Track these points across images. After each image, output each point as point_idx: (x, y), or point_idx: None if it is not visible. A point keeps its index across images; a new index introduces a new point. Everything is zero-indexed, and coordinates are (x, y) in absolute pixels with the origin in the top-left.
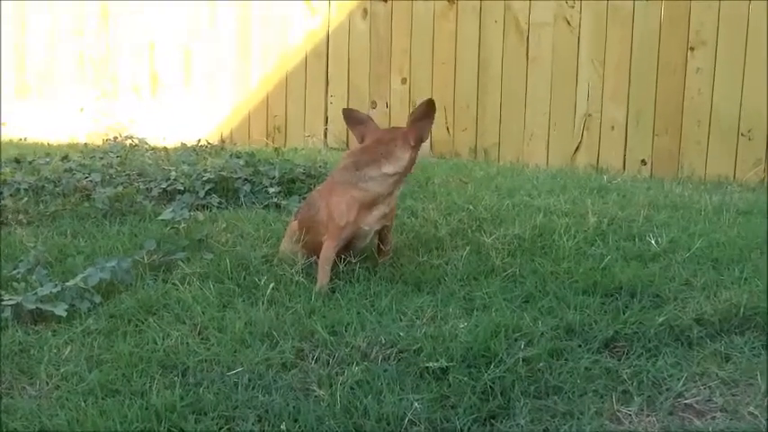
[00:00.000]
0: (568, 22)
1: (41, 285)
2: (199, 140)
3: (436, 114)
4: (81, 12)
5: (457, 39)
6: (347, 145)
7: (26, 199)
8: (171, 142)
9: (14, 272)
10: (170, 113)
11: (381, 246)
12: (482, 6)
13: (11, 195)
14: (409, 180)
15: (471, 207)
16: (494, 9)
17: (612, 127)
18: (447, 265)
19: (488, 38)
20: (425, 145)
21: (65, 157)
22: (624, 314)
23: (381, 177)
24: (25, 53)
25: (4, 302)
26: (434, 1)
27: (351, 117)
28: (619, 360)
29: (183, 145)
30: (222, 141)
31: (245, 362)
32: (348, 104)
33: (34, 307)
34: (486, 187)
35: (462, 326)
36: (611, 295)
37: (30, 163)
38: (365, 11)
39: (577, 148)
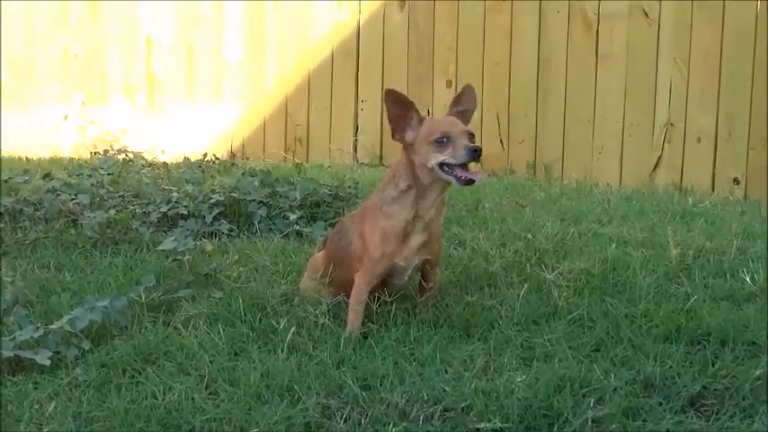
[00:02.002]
0: (646, 14)
1: (21, 328)
2: (205, 154)
3: (407, 108)
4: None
5: (512, 34)
6: (381, 160)
7: (2, 225)
8: (171, 156)
9: None
10: (170, 121)
11: (423, 283)
12: None
13: None
14: (456, 203)
15: (530, 236)
16: None
17: (699, 139)
18: (501, 306)
19: (550, 32)
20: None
21: (47, 175)
22: (713, 366)
23: (399, 196)
24: None
25: None
26: None
27: (395, 100)
28: (707, 421)
29: (187, 160)
30: (232, 155)
31: (262, 421)
32: (382, 111)
33: (12, 354)
34: (547, 212)
35: (520, 379)
36: (698, 343)
37: (5, 182)
38: (402, 1)
39: (657, 164)
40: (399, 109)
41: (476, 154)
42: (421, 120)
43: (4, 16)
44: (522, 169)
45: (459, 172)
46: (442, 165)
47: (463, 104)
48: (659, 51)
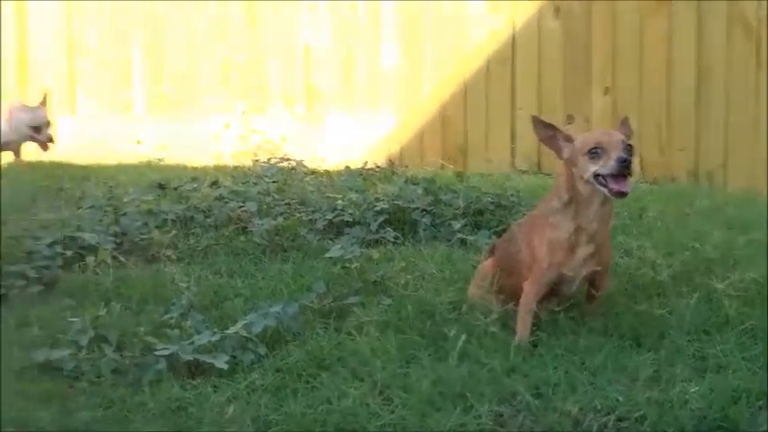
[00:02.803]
0: None
1: (198, 333)
2: (365, 163)
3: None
4: (225, 11)
5: (671, 40)
6: (539, 167)
7: (174, 231)
8: (331, 164)
9: (166, 316)
10: (327, 129)
11: (593, 290)
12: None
13: (157, 227)
14: (620, 211)
15: (697, 245)
16: (715, 3)
17: None
18: (671, 315)
19: (709, 38)
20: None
21: (214, 183)
22: None
23: (563, 208)
24: (164, 60)
25: (157, 352)
26: None
27: (542, 127)
28: None
29: (348, 168)
30: (390, 163)
31: (436, 428)
32: None
33: (191, 358)
34: (712, 220)
35: (693, 390)
36: None
37: (175, 189)
38: (557, 8)
39: None
40: (548, 131)
41: (624, 165)
42: (566, 136)
43: (167, 31)
44: (684, 176)
45: (611, 183)
46: (596, 176)
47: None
48: None
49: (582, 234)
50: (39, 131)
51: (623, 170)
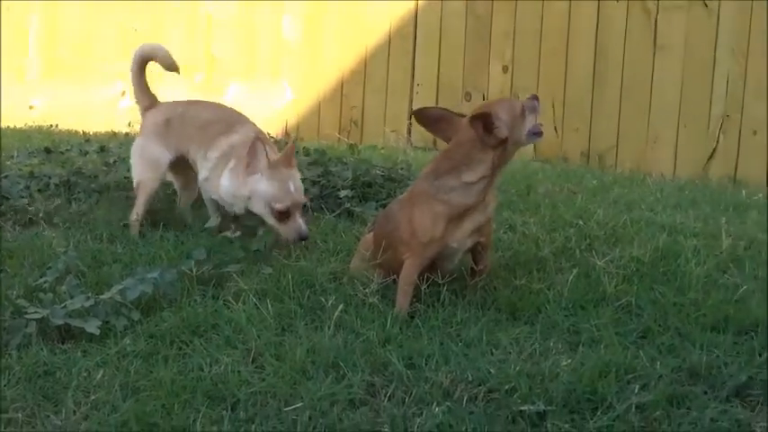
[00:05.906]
0: (705, 4)
1: (71, 297)
2: None
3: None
4: None
5: (570, 20)
6: (435, 143)
7: (57, 196)
8: None
9: (41, 280)
10: (226, 99)
11: (474, 266)
12: None
13: (39, 191)
14: (507, 188)
15: (581, 222)
16: None
17: (755, 131)
18: (549, 290)
19: (608, 20)
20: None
21: (102, 149)
22: (761, 356)
23: (463, 187)
24: (60, 25)
25: (28, 315)
26: None
27: (426, 117)
28: (752, 411)
29: None
30: (287, 135)
31: (306, 396)
32: (437, 95)
33: (62, 322)
34: (599, 199)
35: (565, 363)
36: (746, 333)
37: (62, 153)
38: None
39: (711, 156)
40: (439, 118)
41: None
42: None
43: None
44: (576, 157)
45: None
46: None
47: None
48: (717, 42)
49: (481, 206)
50: (287, 218)
51: None
